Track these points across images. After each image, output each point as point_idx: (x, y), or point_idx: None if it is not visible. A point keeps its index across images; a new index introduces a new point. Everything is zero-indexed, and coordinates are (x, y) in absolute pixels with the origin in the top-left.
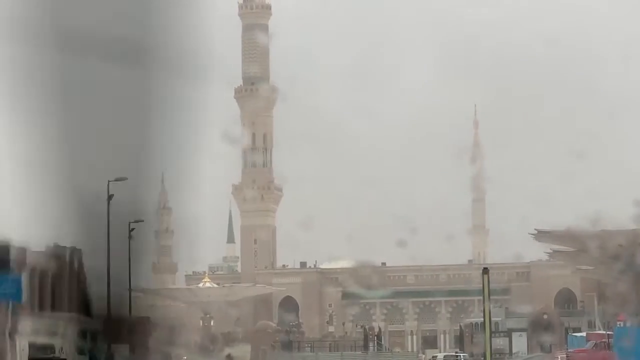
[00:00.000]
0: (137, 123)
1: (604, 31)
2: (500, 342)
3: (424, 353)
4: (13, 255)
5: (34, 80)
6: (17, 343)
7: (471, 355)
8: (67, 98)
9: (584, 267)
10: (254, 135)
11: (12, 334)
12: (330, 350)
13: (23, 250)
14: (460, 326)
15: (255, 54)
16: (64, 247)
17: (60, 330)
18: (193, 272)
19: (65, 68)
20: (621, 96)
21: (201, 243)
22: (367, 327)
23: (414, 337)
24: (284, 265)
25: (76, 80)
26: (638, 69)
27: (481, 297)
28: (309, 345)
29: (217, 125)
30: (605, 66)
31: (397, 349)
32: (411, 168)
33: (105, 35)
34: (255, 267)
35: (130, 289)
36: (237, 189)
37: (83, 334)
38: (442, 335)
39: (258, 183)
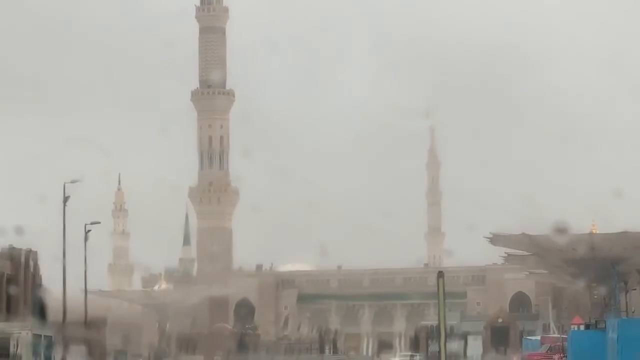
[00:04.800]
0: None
1: (556, 29)
2: (455, 346)
3: (379, 357)
4: None
5: None
6: None
7: (427, 356)
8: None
9: (538, 270)
10: (210, 138)
11: None
12: (285, 353)
13: None
14: (415, 330)
15: (212, 57)
16: (20, 249)
17: (16, 331)
18: (149, 274)
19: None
20: (576, 95)
21: (157, 245)
22: (322, 330)
23: (370, 340)
24: (240, 268)
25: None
26: (589, 69)
27: (437, 301)
28: (265, 348)
29: (173, 127)
30: (558, 64)
31: (352, 353)
32: (367, 171)
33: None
34: (212, 269)
35: (86, 291)
36: (193, 192)
37: (38, 336)
38: (397, 339)
39: (214, 186)
